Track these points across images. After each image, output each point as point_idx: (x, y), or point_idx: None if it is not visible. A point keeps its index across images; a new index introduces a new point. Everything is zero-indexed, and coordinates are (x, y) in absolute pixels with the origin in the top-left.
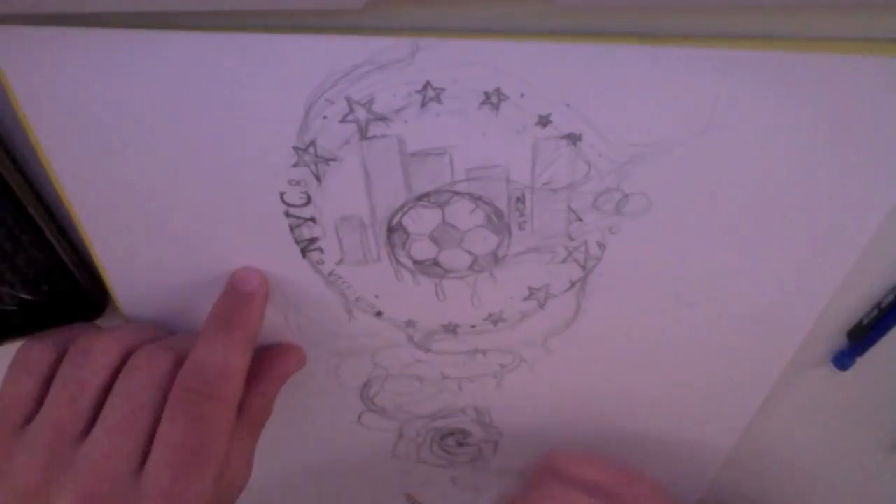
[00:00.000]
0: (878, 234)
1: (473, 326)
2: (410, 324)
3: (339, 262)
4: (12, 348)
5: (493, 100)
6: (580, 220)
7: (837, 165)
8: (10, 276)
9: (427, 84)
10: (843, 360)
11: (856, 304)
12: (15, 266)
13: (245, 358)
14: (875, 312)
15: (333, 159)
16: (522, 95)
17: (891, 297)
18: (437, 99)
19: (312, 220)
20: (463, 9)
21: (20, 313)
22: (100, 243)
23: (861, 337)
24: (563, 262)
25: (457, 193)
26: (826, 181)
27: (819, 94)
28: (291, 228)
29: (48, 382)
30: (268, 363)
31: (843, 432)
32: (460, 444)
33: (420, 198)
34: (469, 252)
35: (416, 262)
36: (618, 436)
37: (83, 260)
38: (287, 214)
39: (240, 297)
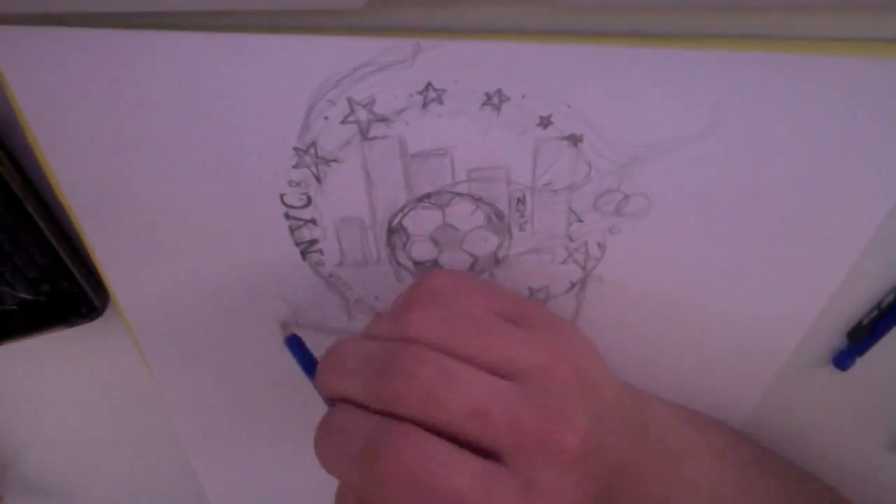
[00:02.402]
0: (878, 234)
1: None
2: None
3: (340, 264)
4: (12, 348)
5: (494, 101)
6: (580, 220)
7: (837, 165)
8: (10, 276)
9: (428, 85)
10: (843, 360)
11: (856, 304)
12: (15, 266)
13: None
14: (875, 312)
15: (334, 160)
16: (524, 96)
17: (891, 297)
18: (439, 100)
19: (313, 221)
20: (464, 9)
21: (20, 313)
22: (99, 244)
23: (861, 337)
24: (564, 262)
25: (457, 194)
26: (826, 181)
27: (819, 94)
28: (291, 230)
29: None
30: None
31: (843, 432)
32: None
33: (421, 199)
34: (469, 253)
35: (416, 264)
36: None
37: (83, 260)
38: (287, 216)
39: None
